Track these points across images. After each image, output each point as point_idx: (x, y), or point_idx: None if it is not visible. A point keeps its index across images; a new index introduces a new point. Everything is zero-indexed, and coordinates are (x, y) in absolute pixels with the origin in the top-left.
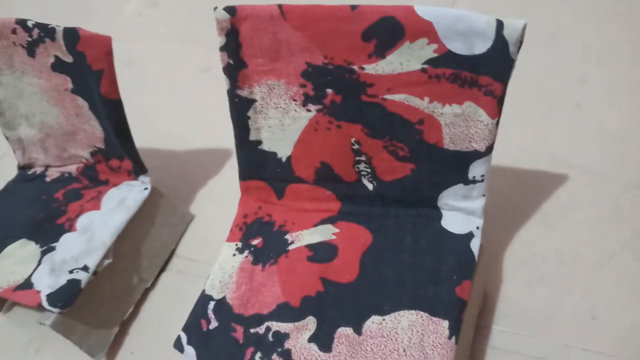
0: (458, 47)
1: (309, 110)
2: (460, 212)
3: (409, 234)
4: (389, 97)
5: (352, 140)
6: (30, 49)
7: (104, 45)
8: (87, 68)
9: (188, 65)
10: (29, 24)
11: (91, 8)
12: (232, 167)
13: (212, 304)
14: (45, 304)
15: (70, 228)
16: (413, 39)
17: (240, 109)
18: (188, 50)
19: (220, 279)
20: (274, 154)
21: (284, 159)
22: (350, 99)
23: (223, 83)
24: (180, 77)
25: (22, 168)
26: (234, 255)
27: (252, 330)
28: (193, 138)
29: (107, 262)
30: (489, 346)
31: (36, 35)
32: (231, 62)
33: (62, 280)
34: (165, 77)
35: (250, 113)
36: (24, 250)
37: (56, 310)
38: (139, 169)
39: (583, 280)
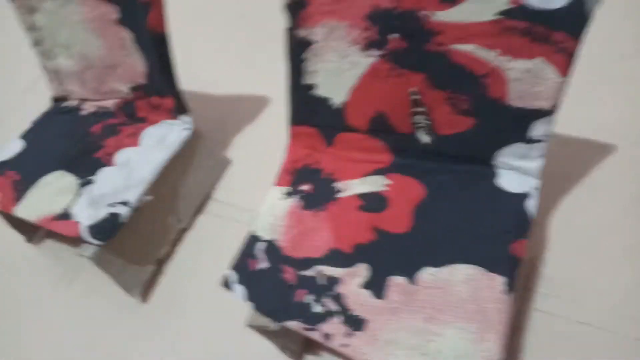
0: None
1: (369, 56)
2: (517, 172)
3: (463, 190)
4: (456, 46)
5: (412, 90)
6: None
7: None
8: None
9: (223, 11)
10: None
11: None
12: (268, 114)
13: (261, 245)
14: (86, 235)
15: (108, 162)
16: None
17: (297, 51)
18: None
19: (269, 221)
20: (327, 99)
21: (337, 106)
22: (415, 46)
23: (257, 30)
24: (216, 22)
25: (57, 100)
26: (283, 199)
27: (303, 273)
28: (227, 84)
29: (147, 198)
30: (532, 308)
31: None
32: None
33: (102, 213)
34: (201, 23)
35: (306, 55)
36: (61, 181)
37: (96, 242)
38: (180, 107)
39: (623, 254)
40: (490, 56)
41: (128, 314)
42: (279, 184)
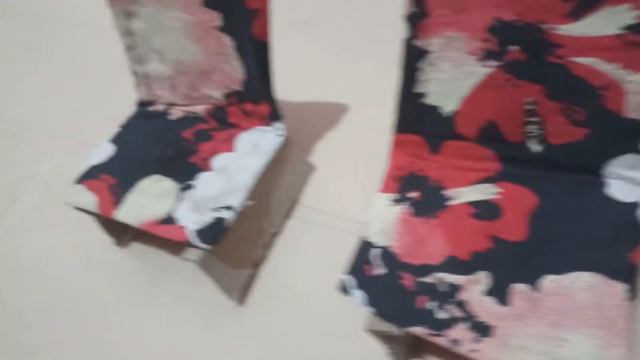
0: None
1: (486, 66)
2: (627, 182)
3: (574, 198)
4: (576, 59)
5: (527, 100)
6: None
7: None
8: (242, 5)
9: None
10: None
11: None
12: (348, 123)
13: (376, 251)
14: (194, 239)
15: (206, 167)
16: (616, 3)
17: (412, 60)
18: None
19: (380, 228)
20: (437, 108)
21: (447, 114)
22: (535, 58)
23: (321, 38)
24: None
25: (142, 104)
26: (391, 206)
27: (422, 279)
28: (309, 89)
29: (248, 203)
30: None
31: None
32: (415, 10)
33: (208, 217)
34: (295, 31)
35: (421, 64)
36: (160, 185)
37: (205, 246)
38: (275, 114)
39: None
40: (610, 69)
41: (224, 317)
42: (385, 190)
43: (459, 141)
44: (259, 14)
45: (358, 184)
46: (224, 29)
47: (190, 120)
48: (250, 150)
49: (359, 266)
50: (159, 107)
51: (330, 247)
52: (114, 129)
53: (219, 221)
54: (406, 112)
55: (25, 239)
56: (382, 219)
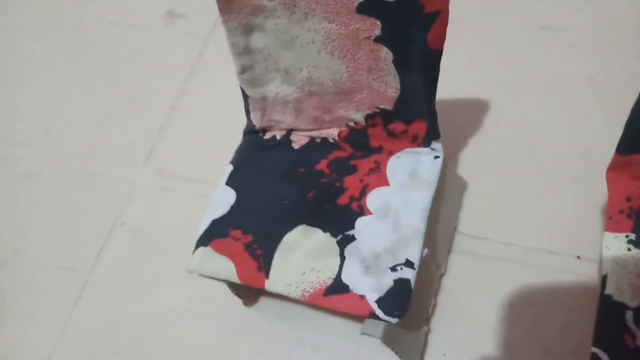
0: None
1: None
2: None
3: None
4: None
5: None
6: None
7: None
8: (416, 9)
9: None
10: None
11: None
12: (495, 123)
13: (630, 314)
14: (379, 312)
15: (361, 210)
16: None
17: None
18: None
19: (627, 282)
20: None
21: None
22: None
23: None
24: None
25: (252, 132)
26: (630, 249)
27: None
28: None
29: (425, 252)
30: None
31: None
32: None
33: (387, 281)
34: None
35: None
36: (311, 240)
37: (394, 320)
38: (433, 133)
39: None
40: None
41: None
42: (615, 229)
43: None
44: (439, 18)
45: (524, 201)
46: (382, 40)
47: (320, 147)
48: (408, 180)
49: (615, 336)
50: (276, 134)
51: (508, 283)
52: (197, 156)
53: (402, 283)
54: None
55: (122, 300)
56: (626, 269)
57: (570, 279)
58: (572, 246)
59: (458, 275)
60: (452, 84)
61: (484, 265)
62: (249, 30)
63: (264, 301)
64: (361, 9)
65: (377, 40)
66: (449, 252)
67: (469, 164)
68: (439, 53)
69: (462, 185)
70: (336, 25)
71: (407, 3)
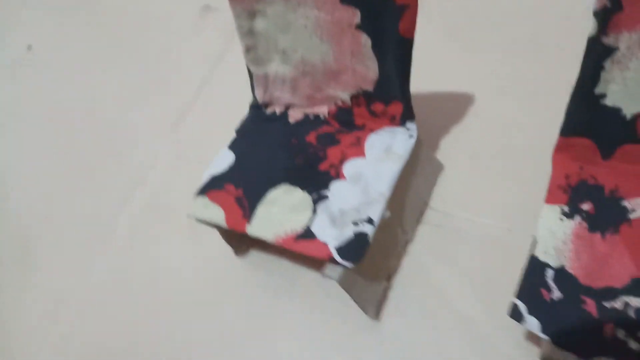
0: None
1: None
2: None
3: None
4: None
5: None
6: None
7: None
8: (388, 2)
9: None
10: None
11: None
12: (476, 117)
13: (550, 272)
14: (337, 257)
15: (338, 175)
16: None
17: (597, 58)
18: None
19: (553, 245)
20: (617, 110)
21: (628, 117)
22: None
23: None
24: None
25: (257, 106)
26: (562, 219)
27: (606, 304)
28: (427, 86)
29: (387, 214)
30: None
31: None
32: (608, 5)
33: (348, 232)
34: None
35: (606, 63)
36: (291, 197)
37: (348, 264)
38: (408, 114)
39: None
40: None
41: (358, 333)
42: (553, 201)
43: (637, 145)
44: (408, 10)
45: (492, 187)
46: (361, 27)
47: (311, 122)
48: (383, 154)
49: (535, 290)
50: (276, 109)
51: (465, 254)
52: (217, 131)
53: (361, 236)
54: (579, 113)
55: (138, 250)
56: (554, 235)
57: (524, 254)
58: (530, 227)
59: (424, 244)
60: (441, 79)
61: (449, 238)
62: (252, 14)
63: (252, 254)
64: (344, 0)
65: (358, 27)
66: (417, 221)
67: (447, 149)
68: (410, 41)
69: (438, 167)
70: (323, 13)
71: None
